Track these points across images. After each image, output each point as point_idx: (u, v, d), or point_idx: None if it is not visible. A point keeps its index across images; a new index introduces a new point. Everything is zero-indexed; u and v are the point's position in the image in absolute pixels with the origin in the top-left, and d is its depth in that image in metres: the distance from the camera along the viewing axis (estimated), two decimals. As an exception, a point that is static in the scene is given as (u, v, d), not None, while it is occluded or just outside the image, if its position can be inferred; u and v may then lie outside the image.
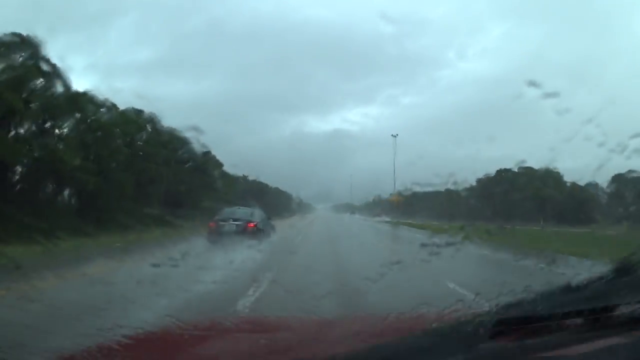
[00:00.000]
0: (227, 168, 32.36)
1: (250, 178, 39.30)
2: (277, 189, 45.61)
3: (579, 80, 67.23)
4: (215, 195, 27.89)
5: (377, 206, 63.26)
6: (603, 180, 39.25)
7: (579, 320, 1.29)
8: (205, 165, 28.73)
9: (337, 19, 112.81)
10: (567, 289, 1.27)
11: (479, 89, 78.78)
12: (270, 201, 34.19)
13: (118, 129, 20.69)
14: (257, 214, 16.25)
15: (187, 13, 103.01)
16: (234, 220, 14.89)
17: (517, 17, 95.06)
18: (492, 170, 42.13)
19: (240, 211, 16.25)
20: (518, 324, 1.23)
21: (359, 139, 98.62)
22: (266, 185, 42.02)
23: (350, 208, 76.40)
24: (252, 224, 14.94)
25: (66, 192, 19.18)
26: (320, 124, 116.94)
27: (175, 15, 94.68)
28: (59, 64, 17.40)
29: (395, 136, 46.56)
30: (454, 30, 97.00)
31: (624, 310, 1.30)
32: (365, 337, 1.62)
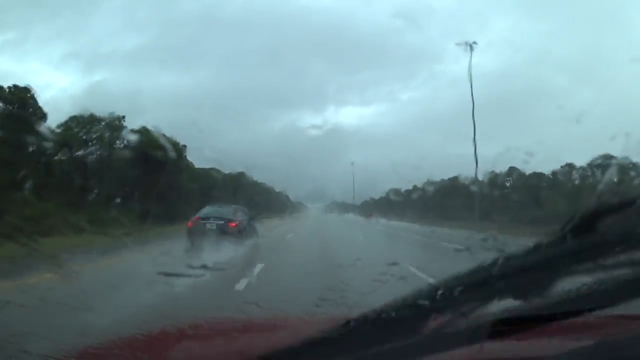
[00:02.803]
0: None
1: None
2: (255, 181, 43.25)
3: (583, 76, 67.24)
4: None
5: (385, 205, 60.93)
6: None
7: (578, 320, 1.25)
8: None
9: (335, 9, 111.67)
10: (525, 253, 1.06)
11: (483, 84, 77.72)
12: (252, 197, 32.93)
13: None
14: (239, 213, 15.95)
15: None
16: (214, 219, 14.54)
17: (524, 10, 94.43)
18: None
19: (222, 209, 15.94)
20: (516, 324, 1.19)
21: (356, 136, 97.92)
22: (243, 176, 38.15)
23: (344, 207, 74.69)
24: (233, 224, 14.59)
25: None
26: (315, 120, 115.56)
27: (164, 0, 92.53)
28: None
29: (472, 45, 31.78)
30: (459, 21, 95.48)
31: (622, 309, 1.23)
32: None
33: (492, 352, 1.18)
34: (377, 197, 66.06)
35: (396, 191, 53.32)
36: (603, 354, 1.15)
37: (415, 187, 42.53)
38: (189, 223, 14.85)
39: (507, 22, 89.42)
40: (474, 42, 31.59)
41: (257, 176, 41.87)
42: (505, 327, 1.13)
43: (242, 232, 14.72)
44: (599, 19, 71.56)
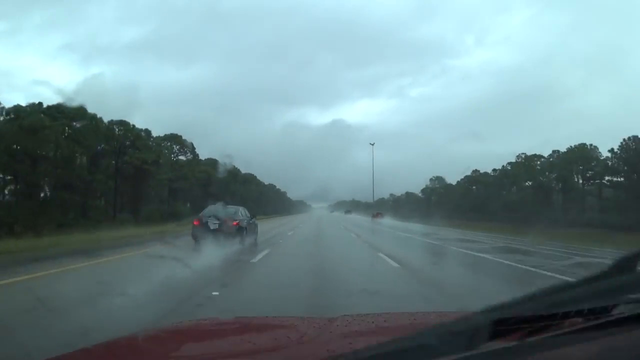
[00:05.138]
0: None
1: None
2: (250, 175, 41.88)
3: (599, 71, 65.67)
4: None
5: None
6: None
7: (579, 320, 1.23)
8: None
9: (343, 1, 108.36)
10: (567, 287, 1.16)
11: (498, 80, 74.97)
12: (250, 196, 32.14)
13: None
14: (240, 213, 16.50)
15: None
16: (217, 218, 15.07)
17: (542, 1, 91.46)
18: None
19: (224, 209, 16.50)
20: (518, 323, 1.18)
21: (364, 133, 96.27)
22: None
23: (353, 206, 72.40)
24: (235, 223, 15.13)
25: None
26: (321, 117, 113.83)
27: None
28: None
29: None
30: (476, 12, 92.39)
31: (624, 309, 1.24)
32: (363, 337, 1.62)
33: (493, 352, 1.15)
34: (396, 194, 63.00)
35: (434, 183, 43.93)
36: (603, 354, 1.15)
37: (469, 177, 32.74)
38: (194, 221, 15.48)
39: (526, 14, 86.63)
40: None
41: (264, 176, 41.14)
42: (506, 327, 1.14)
43: (242, 231, 15.25)
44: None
